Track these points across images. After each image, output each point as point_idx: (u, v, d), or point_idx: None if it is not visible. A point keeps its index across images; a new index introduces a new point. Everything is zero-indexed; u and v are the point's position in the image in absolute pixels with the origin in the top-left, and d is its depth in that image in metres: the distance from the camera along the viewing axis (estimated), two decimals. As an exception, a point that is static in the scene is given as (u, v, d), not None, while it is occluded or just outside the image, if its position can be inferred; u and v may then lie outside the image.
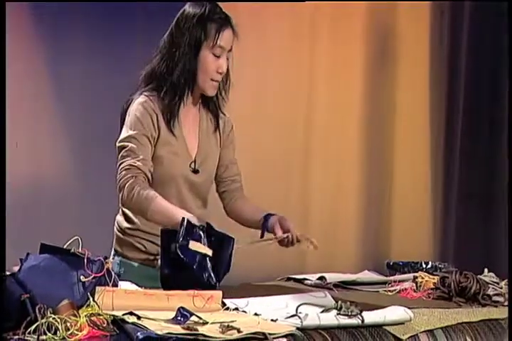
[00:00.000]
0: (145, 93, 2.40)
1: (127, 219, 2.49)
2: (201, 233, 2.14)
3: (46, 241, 1.98)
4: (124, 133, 2.37)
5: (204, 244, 2.16)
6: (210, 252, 2.16)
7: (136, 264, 2.48)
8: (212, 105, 2.49)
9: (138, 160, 2.31)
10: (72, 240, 1.94)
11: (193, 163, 2.43)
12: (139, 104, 2.38)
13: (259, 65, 3.71)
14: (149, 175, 2.34)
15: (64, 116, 3.37)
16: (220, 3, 3.65)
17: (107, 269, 1.95)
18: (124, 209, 2.49)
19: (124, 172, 2.30)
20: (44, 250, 1.97)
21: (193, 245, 2.14)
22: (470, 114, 4.35)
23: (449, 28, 4.26)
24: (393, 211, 4.13)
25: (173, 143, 2.41)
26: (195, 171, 2.44)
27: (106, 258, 1.97)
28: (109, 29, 3.42)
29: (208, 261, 2.15)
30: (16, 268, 1.94)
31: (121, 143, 2.36)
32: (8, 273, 1.92)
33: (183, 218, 2.15)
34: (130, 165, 2.31)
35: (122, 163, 2.33)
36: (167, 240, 2.17)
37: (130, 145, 2.33)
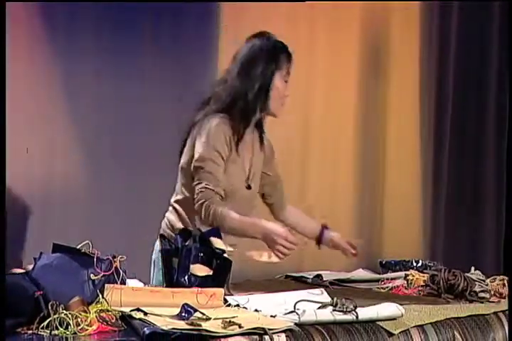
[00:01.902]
0: (219, 114, 2.53)
1: (182, 220, 2.61)
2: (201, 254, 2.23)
3: (58, 241, 2.04)
4: (200, 152, 2.50)
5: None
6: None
7: None
8: (259, 124, 2.64)
9: (214, 184, 2.47)
10: (83, 243, 2.00)
11: (247, 180, 2.60)
12: (215, 126, 2.51)
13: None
14: (223, 194, 2.50)
15: (75, 119, 3.38)
16: (221, 3, 3.69)
17: (116, 268, 2.01)
18: (179, 210, 2.61)
19: (200, 195, 2.48)
20: (56, 249, 2.03)
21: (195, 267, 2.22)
22: (459, 116, 4.38)
23: (438, 33, 4.29)
24: (385, 212, 4.15)
25: (237, 161, 2.57)
26: (249, 187, 2.60)
27: (114, 257, 2.03)
28: (119, 32, 3.44)
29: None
30: (30, 267, 2.00)
31: (198, 164, 2.50)
32: (22, 271, 1.98)
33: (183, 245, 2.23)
34: (206, 187, 2.47)
35: (199, 183, 2.49)
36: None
37: (207, 167, 2.48)
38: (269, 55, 2.52)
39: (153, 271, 2.60)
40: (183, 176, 2.60)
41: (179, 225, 2.59)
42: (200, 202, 2.48)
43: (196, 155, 2.52)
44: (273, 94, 2.52)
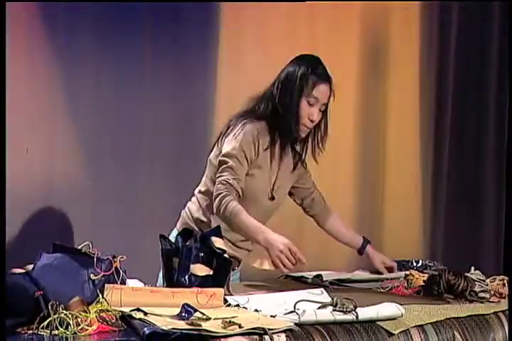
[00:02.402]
0: (255, 121, 2.71)
1: (203, 212, 2.75)
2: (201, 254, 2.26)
3: (58, 241, 2.04)
4: (229, 148, 2.66)
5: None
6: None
7: None
8: (300, 145, 2.81)
9: (234, 179, 2.61)
10: (84, 244, 2.01)
11: (271, 190, 2.74)
12: (249, 130, 2.68)
13: (258, 66, 3.71)
14: (240, 193, 2.63)
15: (75, 119, 3.38)
16: (221, 3, 3.69)
17: (116, 268, 2.02)
18: (200, 200, 2.77)
19: (219, 186, 2.62)
20: (56, 249, 2.04)
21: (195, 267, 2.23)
22: (459, 116, 4.38)
23: (438, 33, 4.30)
24: (385, 212, 4.16)
25: (264, 170, 2.71)
26: (272, 198, 2.75)
27: (114, 257, 2.03)
28: (119, 33, 3.45)
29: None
30: (30, 267, 2.00)
31: (224, 159, 2.66)
32: (22, 271, 1.99)
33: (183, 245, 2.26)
34: (226, 181, 2.61)
35: (220, 176, 2.64)
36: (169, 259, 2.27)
37: (231, 163, 2.63)
38: (301, 76, 2.69)
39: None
40: (209, 169, 2.76)
41: (197, 215, 2.74)
42: (217, 193, 2.60)
43: (224, 151, 2.67)
44: (297, 112, 2.69)
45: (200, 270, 2.21)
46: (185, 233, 2.31)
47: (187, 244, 2.25)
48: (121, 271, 2.03)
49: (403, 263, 2.90)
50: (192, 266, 2.21)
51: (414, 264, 2.89)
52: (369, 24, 4.11)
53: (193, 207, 2.77)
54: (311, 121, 2.71)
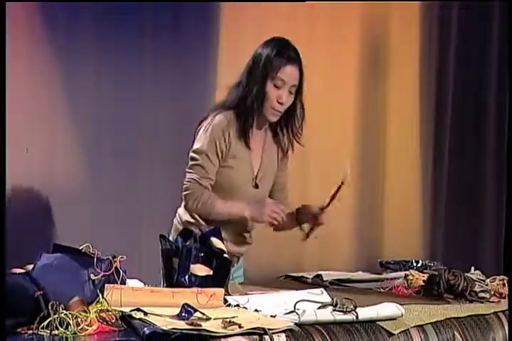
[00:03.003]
0: (224, 111, 2.70)
1: (190, 214, 2.74)
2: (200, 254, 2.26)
3: (58, 241, 2.04)
4: (199, 144, 2.68)
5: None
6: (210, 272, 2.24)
7: None
8: (285, 132, 2.77)
9: (202, 177, 2.64)
10: (84, 245, 2.01)
11: (254, 178, 2.73)
12: (219, 122, 2.67)
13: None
14: (209, 188, 2.66)
15: (75, 119, 3.40)
16: (221, 3, 3.70)
17: (116, 268, 2.02)
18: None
19: (188, 185, 2.66)
20: (56, 249, 2.04)
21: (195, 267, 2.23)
22: (459, 116, 4.38)
23: (438, 33, 4.30)
24: (385, 212, 4.16)
25: (239, 158, 2.70)
26: (256, 186, 2.73)
27: (114, 257, 2.03)
28: (119, 32, 3.46)
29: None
30: (30, 267, 2.00)
31: (193, 155, 2.68)
32: (22, 271, 1.99)
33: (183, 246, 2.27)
34: (195, 180, 2.65)
35: (189, 173, 2.67)
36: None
37: (200, 160, 2.65)
38: (266, 58, 2.66)
39: None
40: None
41: (185, 217, 2.74)
42: (186, 192, 2.65)
43: (194, 147, 2.69)
44: (265, 96, 2.66)
45: (200, 270, 2.21)
46: (185, 233, 2.31)
47: (187, 244, 2.26)
48: (121, 271, 2.03)
49: (403, 263, 2.90)
50: (192, 266, 2.21)
51: (414, 264, 2.89)
52: (369, 24, 4.11)
53: (181, 211, 2.78)
54: (280, 103, 2.67)
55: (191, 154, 2.68)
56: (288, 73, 2.66)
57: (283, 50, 2.68)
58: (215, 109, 2.73)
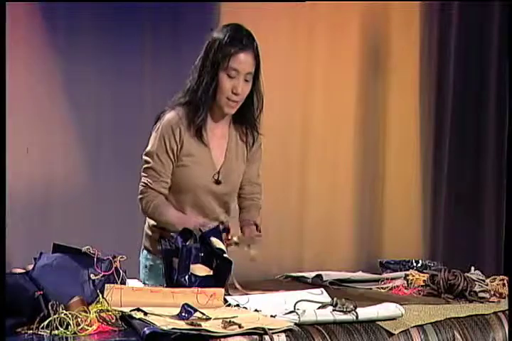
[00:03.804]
0: (176, 107, 2.57)
1: None
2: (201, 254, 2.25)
3: (58, 241, 2.04)
4: (149, 146, 2.58)
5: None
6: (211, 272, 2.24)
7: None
8: (243, 123, 2.63)
9: (154, 181, 2.55)
10: (85, 248, 2.00)
11: (216, 175, 2.59)
12: (168, 119, 2.56)
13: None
14: (164, 192, 2.57)
15: (75, 119, 3.40)
16: (221, 3, 3.69)
17: (116, 268, 2.01)
18: None
19: (142, 189, 2.58)
20: (56, 249, 2.03)
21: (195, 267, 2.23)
22: (459, 116, 4.39)
23: (438, 32, 4.30)
24: (385, 212, 4.16)
25: (196, 155, 2.57)
26: (218, 182, 2.59)
27: (114, 257, 2.03)
28: (119, 32, 3.45)
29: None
30: (30, 267, 2.00)
31: (145, 158, 2.58)
32: (22, 270, 1.98)
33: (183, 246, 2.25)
34: (147, 184, 2.56)
35: (143, 177, 2.58)
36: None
37: (152, 163, 2.55)
38: (217, 47, 2.51)
39: None
40: None
41: (152, 222, 2.65)
42: (140, 197, 2.58)
43: (146, 149, 2.59)
44: (218, 87, 2.52)
45: (200, 270, 2.21)
46: (185, 233, 2.30)
47: (187, 244, 2.25)
48: (121, 271, 2.02)
49: (403, 263, 2.90)
50: (192, 266, 2.21)
51: (415, 264, 2.88)
52: (369, 24, 4.11)
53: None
54: (235, 94, 2.51)
55: (143, 157, 2.57)
56: (240, 61, 2.50)
57: (234, 37, 2.50)
58: (168, 105, 2.60)
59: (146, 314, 1.93)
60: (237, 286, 2.29)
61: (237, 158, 2.64)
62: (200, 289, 2.09)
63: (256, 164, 2.71)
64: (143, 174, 2.57)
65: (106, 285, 1.99)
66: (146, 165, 2.57)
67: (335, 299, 2.10)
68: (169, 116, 2.57)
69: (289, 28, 3.84)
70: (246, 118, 2.61)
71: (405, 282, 2.59)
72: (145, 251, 2.65)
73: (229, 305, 2.11)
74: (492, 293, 2.48)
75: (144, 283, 2.49)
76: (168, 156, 2.54)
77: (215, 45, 2.51)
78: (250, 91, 2.55)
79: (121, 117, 3.49)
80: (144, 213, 2.59)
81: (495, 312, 2.32)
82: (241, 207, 2.72)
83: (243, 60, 2.51)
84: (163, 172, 2.54)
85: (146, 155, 2.57)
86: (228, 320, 1.91)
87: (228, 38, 2.50)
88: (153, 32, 3.54)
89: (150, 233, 2.63)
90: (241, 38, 2.51)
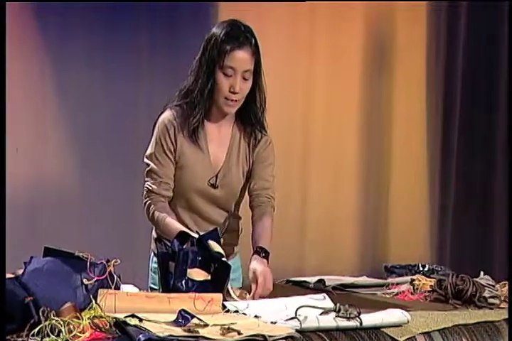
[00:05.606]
0: (174, 107, 2.54)
1: None
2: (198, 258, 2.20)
3: (49, 243, 2.00)
4: (149, 149, 2.55)
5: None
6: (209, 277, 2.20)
7: None
8: (246, 123, 2.57)
9: (154, 184, 2.51)
10: (77, 253, 1.97)
11: (213, 178, 2.54)
12: (162, 119, 2.54)
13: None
14: (166, 194, 2.52)
15: (66, 119, 3.41)
16: (220, 3, 3.69)
17: (110, 272, 1.98)
18: None
19: (145, 193, 2.55)
20: (47, 253, 1.99)
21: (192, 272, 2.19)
22: (467, 115, 4.37)
23: (446, 30, 4.29)
24: (390, 214, 4.15)
25: (189, 157, 2.53)
26: (214, 186, 2.54)
27: (108, 261, 1.99)
28: (111, 32, 3.45)
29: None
30: (20, 271, 1.96)
31: (146, 161, 2.56)
32: (12, 275, 1.94)
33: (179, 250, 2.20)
34: (148, 188, 2.53)
35: (145, 182, 2.55)
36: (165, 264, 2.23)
37: (151, 165, 2.52)
38: (213, 44, 2.46)
39: None
40: None
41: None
42: (144, 201, 2.55)
43: (146, 152, 2.56)
44: (215, 86, 2.47)
45: (197, 274, 2.18)
46: (182, 236, 2.26)
47: (184, 247, 2.21)
48: (115, 276, 1.99)
49: (409, 267, 2.87)
50: (189, 270, 2.17)
51: (421, 269, 2.86)
52: (374, 20, 4.10)
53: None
54: (234, 93, 2.46)
55: (144, 160, 2.55)
56: (237, 59, 2.44)
57: (230, 35, 2.44)
58: (168, 105, 2.56)
59: (141, 320, 1.89)
60: (233, 296, 2.23)
61: (238, 161, 2.58)
62: (197, 294, 2.05)
63: (265, 163, 2.61)
64: (145, 178, 2.54)
65: (99, 290, 1.96)
66: (146, 168, 2.54)
67: (338, 305, 2.06)
68: (164, 115, 2.54)
69: (291, 25, 3.84)
70: (249, 117, 2.56)
71: (411, 287, 2.55)
72: (152, 255, 2.64)
73: (227, 310, 2.07)
74: (502, 298, 2.43)
75: (152, 288, 2.49)
76: (166, 156, 2.51)
77: (211, 42, 2.46)
78: (251, 88, 2.50)
79: (114, 117, 3.50)
80: (147, 217, 2.55)
81: (505, 319, 2.28)
82: (253, 208, 2.62)
83: (239, 58, 2.46)
84: (164, 173, 2.50)
85: (146, 157, 2.55)
86: (227, 326, 1.87)
87: (224, 35, 2.45)
88: (151, 31, 3.55)
89: (155, 236, 2.60)
90: (237, 35, 2.46)
